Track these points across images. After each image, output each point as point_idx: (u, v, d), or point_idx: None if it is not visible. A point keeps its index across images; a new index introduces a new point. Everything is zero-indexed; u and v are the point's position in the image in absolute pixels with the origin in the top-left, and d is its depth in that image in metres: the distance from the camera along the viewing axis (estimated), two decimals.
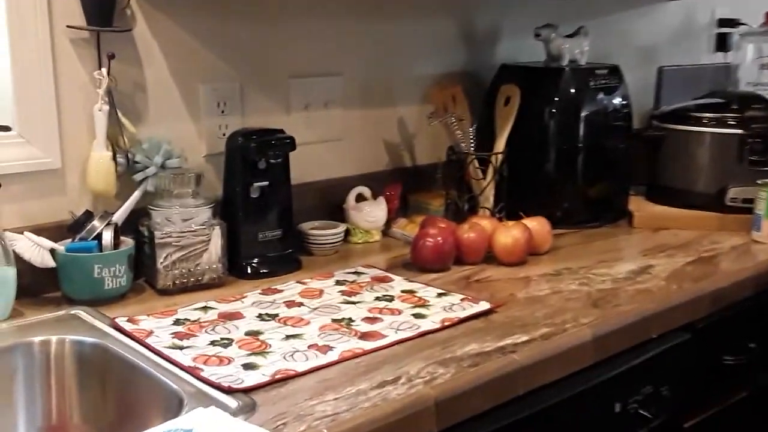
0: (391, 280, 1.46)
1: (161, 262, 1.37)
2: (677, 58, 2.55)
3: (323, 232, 1.62)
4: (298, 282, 1.44)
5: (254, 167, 1.48)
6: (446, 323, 1.25)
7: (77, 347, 1.18)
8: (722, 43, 2.69)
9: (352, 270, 1.51)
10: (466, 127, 1.77)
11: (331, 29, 1.73)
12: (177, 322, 1.25)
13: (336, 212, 1.70)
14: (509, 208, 1.75)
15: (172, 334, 1.20)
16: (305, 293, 1.38)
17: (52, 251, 1.31)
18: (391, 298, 1.36)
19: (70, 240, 1.35)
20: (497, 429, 1.13)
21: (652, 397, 1.37)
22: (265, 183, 1.49)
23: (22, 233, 1.30)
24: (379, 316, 1.28)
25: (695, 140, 1.90)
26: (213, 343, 1.17)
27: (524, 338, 1.21)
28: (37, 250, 1.30)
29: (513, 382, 1.14)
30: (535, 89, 1.82)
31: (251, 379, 1.05)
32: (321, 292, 1.39)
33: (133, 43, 1.46)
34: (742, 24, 2.61)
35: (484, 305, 1.32)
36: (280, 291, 1.39)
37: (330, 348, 1.16)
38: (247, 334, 1.21)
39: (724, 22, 2.66)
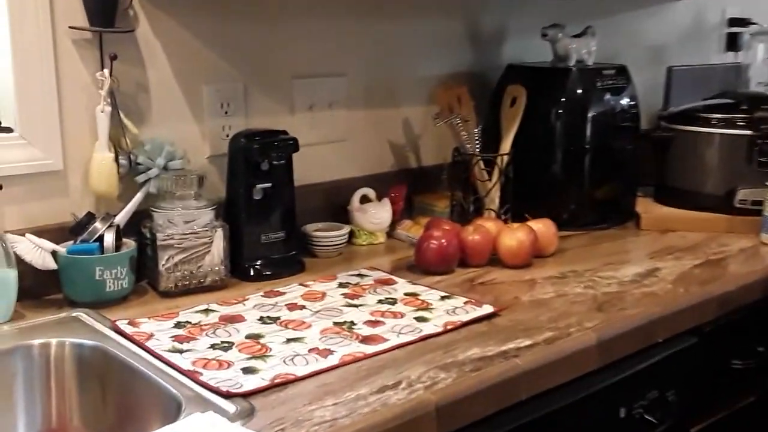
0: (395, 282, 1.44)
1: (163, 264, 1.37)
2: (687, 58, 2.53)
3: (327, 234, 1.61)
4: (300, 284, 1.43)
5: (257, 169, 1.47)
6: (449, 327, 1.24)
7: (77, 350, 1.18)
8: (733, 43, 2.67)
9: (356, 272, 1.50)
10: (472, 128, 1.75)
11: (336, 29, 1.72)
12: (178, 325, 1.24)
13: (340, 214, 1.69)
14: (515, 210, 1.74)
15: (172, 337, 1.19)
16: (307, 296, 1.37)
17: (54, 253, 1.31)
18: (393, 301, 1.35)
19: (71, 242, 1.35)
20: None
21: (658, 402, 1.36)
22: (268, 184, 1.48)
23: (23, 235, 1.30)
24: (381, 319, 1.27)
25: (704, 141, 1.88)
26: (213, 346, 1.16)
27: (527, 342, 1.20)
28: (39, 252, 1.29)
29: (516, 387, 1.13)
30: (542, 90, 1.81)
31: (250, 383, 1.04)
32: (323, 294, 1.38)
33: (135, 43, 1.45)
34: (753, 23, 2.59)
35: (487, 308, 1.31)
36: (283, 293, 1.38)
37: (331, 352, 1.15)
38: (248, 337, 1.20)
39: (734, 22, 2.63)
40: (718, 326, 1.47)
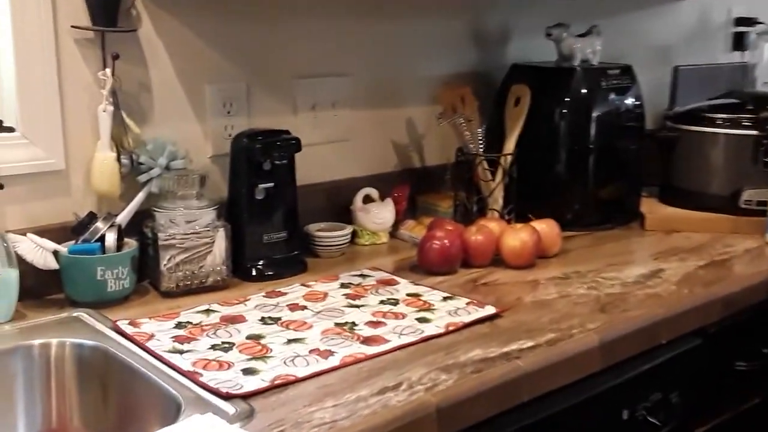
0: (397, 283, 1.44)
1: (165, 264, 1.36)
2: (693, 58, 2.52)
3: (329, 234, 1.61)
4: (302, 285, 1.42)
5: (259, 168, 1.46)
6: (450, 328, 1.24)
7: (77, 350, 1.18)
8: (739, 42, 2.65)
9: (358, 273, 1.49)
10: (475, 128, 1.75)
11: (340, 29, 1.72)
12: (179, 326, 1.24)
13: (343, 214, 1.69)
14: (519, 210, 1.73)
15: (173, 337, 1.19)
16: (309, 296, 1.37)
17: (55, 253, 1.31)
18: (395, 302, 1.35)
19: (73, 242, 1.34)
20: None
21: (661, 404, 1.35)
22: (270, 184, 1.47)
23: (25, 235, 1.30)
24: (382, 320, 1.27)
25: (709, 141, 1.87)
26: (214, 347, 1.16)
27: (529, 344, 1.19)
28: (40, 252, 1.29)
29: (517, 388, 1.12)
30: (546, 89, 1.80)
31: (250, 384, 1.04)
32: (325, 295, 1.38)
33: (138, 43, 1.45)
34: (760, 23, 2.58)
35: (489, 309, 1.30)
36: (284, 294, 1.38)
37: (331, 353, 1.14)
38: (249, 338, 1.20)
39: (740, 21, 2.62)
40: (722, 327, 1.46)
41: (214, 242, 1.40)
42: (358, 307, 1.32)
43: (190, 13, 1.50)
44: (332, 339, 1.19)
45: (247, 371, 1.08)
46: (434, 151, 1.91)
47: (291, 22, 1.64)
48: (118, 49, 1.38)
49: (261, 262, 1.48)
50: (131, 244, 1.37)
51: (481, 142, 1.74)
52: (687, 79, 2.46)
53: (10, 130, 1.35)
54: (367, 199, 1.70)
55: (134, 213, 1.42)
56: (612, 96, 1.82)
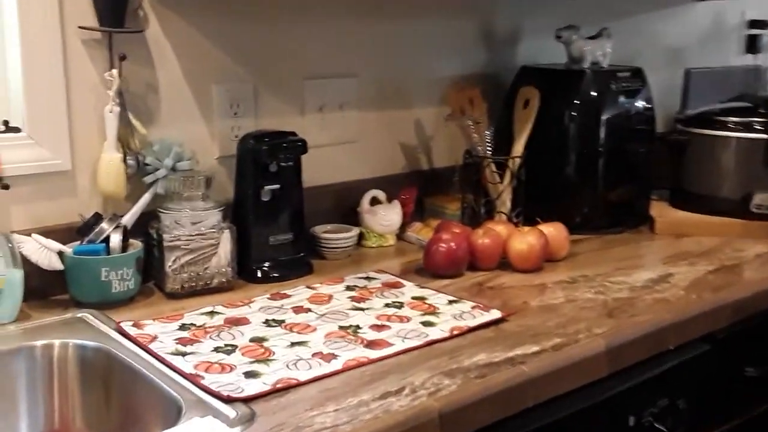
0: (403, 285, 1.43)
1: (170, 266, 1.36)
2: (705, 60, 2.50)
3: (336, 236, 1.60)
4: (307, 287, 1.42)
5: (265, 170, 1.46)
6: (455, 332, 1.23)
7: (80, 351, 1.18)
8: (752, 45, 2.63)
9: (364, 275, 1.48)
10: (484, 130, 1.74)
11: (347, 30, 1.71)
12: (182, 327, 1.23)
13: (350, 215, 1.68)
14: (527, 213, 1.72)
15: (176, 339, 1.18)
16: (314, 299, 1.36)
17: (60, 254, 1.31)
18: (400, 305, 1.34)
19: (78, 242, 1.34)
20: None
21: (668, 410, 1.33)
22: (277, 186, 1.47)
23: (30, 235, 1.30)
24: (387, 323, 1.26)
25: (720, 145, 1.85)
26: (217, 349, 1.16)
27: (535, 349, 1.18)
28: (45, 253, 1.29)
29: (522, 394, 1.11)
30: (556, 92, 1.79)
31: (252, 388, 1.03)
32: (330, 297, 1.37)
33: (145, 44, 1.45)
34: None
35: (495, 314, 1.29)
36: (289, 296, 1.37)
37: (334, 356, 1.14)
38: (252, 340, 1.19)
39: (754, 24, 2.60)
40: (731, 333, 1.45)
41: (219, 244, 1.39)
42: (362, 310, 1.32)
43: (197, 14, 1.49)
44: (336, 342, 1.19)
45: (249, 374, 1.07)
46: (442, 153, 1.90)
47: (299, 23, 1.63)
48: (125, 49, 1.38)
49: (266, 264, 1.47)
50: (136, 245, 1.37)
51: (489, 144, 1.73)
52: (699, 82, 2.44)
53: (17, 130, 1.35)
54: (374, 201, 1.69)
55: (140, 214, 1.42)
56: (622, 99, 1.81)
